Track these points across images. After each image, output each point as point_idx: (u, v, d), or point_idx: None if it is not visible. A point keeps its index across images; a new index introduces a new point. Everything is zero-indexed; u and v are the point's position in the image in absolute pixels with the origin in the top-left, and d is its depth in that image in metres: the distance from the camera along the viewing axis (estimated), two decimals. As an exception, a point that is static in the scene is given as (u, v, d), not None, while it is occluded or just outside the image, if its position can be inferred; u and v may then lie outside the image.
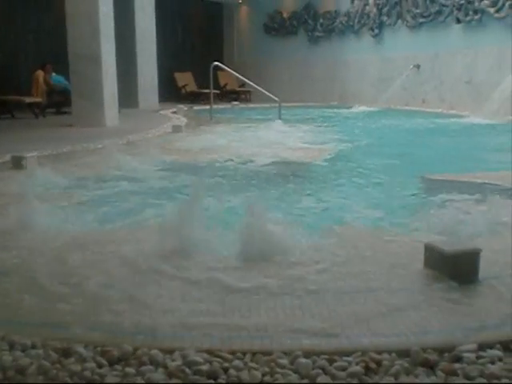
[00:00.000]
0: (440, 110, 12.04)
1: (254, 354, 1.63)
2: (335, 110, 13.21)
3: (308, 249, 2.47)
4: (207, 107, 11.05)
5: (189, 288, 2.08)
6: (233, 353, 1.63)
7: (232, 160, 5.19)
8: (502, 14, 10.13)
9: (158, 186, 4.08)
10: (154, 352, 1.63)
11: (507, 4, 9.96)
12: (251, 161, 5.14)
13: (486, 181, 4.19)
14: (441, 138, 7.62)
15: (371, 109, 13.03)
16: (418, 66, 12.96)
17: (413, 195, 3.81)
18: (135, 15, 13.05)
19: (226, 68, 10.84)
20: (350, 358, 1.59)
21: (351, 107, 13.48)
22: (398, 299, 1.97)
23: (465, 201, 3.50)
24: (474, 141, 7.31)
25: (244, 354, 1.63)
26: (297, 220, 2.90)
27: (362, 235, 2.76)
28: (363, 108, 13.18)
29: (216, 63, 10.02)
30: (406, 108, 13.05)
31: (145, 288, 2.08)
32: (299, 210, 3.28)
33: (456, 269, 2.13)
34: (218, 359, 1.60)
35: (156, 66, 13.80)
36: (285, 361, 1.58)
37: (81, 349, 1.65)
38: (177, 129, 7.85)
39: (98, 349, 1.65)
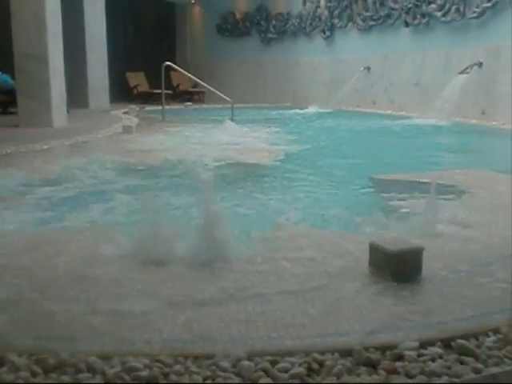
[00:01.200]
0: (390, 111, 12.28)
1: (195, 357, 1.60)
2: (288, 111, 13.28)
3: (253, 251, 2.44)
4: (160, 108, 10.93)
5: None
6: (174, 357, 1.59)
7: (181, 161, 5.12)
8: (448, 17, 10.39)
9: (101, 188, 3.99)
10: (92, 359, 1.58)
11: (453, 8, 10.22)
12: (198, 161, 5.08)
13: (431, 180, 4.27)
14: (389, 139, 7.76)
15: (323, 110, 13.17)
16: (368, 69, 13.17)
17: (360, 195, 3.85)
18: (84, 14, 12.76)
19: (178, 68, 10.75)
20: (293, 359, 1.58)
21: (304, 108, 13.59)
22: (342, 299, 1.97)
23: (410, 200, 3.57)
24: (420, 141, 7.47)
25: (186, 358, 1.60)
26: (242, 221, 2.87)
27: (308, 235, 2.76)
28: (315, 109, 13.30)
29: (168, 63, 9.91)
30: (357, 109, 13.25)
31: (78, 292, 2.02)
32: (245, 211, 3.25)
33: (399, 267, 2.16)
34: (159, 364, 1.56)
35: (107, 66, 13.53)
36: (227, 364, 1.56)
37: (14, 357, 1.58)
38: (127, 129, 7.72)
39: (34, 357, 1.59)
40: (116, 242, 2.48)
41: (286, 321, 1.79)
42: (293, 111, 13.22)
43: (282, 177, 4.55)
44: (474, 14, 9.71)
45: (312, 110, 13.31)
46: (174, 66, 10.42)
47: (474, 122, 9.58)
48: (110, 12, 13.69)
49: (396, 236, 2.48)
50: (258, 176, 4.62)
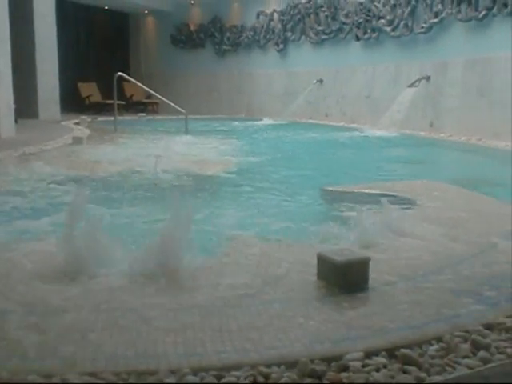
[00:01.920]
0: (342, 123, 12.48)
1: (139, 374, 1.56)
2: (242, 123, 13.32)
3: (201, 263, 2.42)
4: (112, 118, 10.77)
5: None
6: (117, 374, 1.55)
7: (131, 172, 5.05)
8: (397, 32, 10.69)
9: (44, 200, 3.88)
10: (32, 377, 1.52)
11: (402, 23, 10.52)
12: (150, 173, 5.02)
13: (380, 191, 4.35)
14: (341, 151, 7.88)
15: (277, 122, 13.28)
16: (320, 81, 13.37)
17: (311, 206, 3.88)
18: (34, 22, 12.47)
19: (131, 79, 10.66)
20: (238, 373, 1.57)
21: (258, 120, 13.67)
22: (290, 311, 1.97)
23: (359, 211, 3.61)
24: (371, 153, 7.63)
25: (129, 374, 1.56)
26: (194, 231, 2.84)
27: (257, 247, 2.76)
28: (269, 121, 13.41)
29: (120, 74, 9.79)
30: (311, 121, 13.41)
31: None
32: (194, 223, 3.22)
33: (346, 278, 2.18)
34: (101, 381, 1.52)
35: (58, 76, 13.25)
36: (172, 380, 1.53)
37: None
38: (78, 140, 7.57)
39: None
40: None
41: (232, 334, 1.78)
42: (247, 123, 13.28)
43: (233, 188, 4.56)
44: (422, 30, 10.01)
45: (266, 121, 13.41)
46: (126, 76, 10.31)
47: (422, 133, 9.85)
48: (61, 21, 13.45)
49: (343, 247, 2.50)
50: (209, 187, 4.60)
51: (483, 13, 8.47)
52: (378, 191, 4.37)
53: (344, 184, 4.73)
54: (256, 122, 13.32)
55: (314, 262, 2.30)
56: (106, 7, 16.81)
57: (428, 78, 9.97)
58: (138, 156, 5.76)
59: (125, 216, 3.37)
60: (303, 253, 2.63)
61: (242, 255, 2.62)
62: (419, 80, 10.08)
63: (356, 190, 4.42)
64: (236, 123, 13.24)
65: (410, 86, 10.21)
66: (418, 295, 2.14)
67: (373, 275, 2.25)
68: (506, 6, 7.97)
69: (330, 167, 6.10)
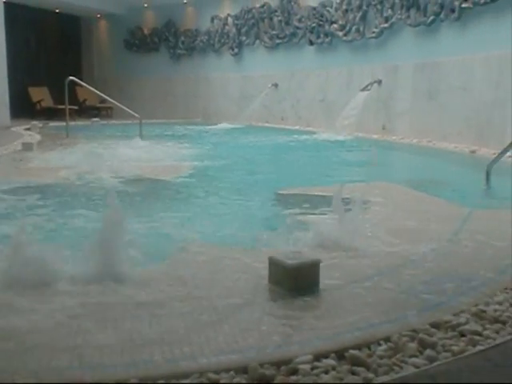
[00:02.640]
0: (297, 126, 12.58)
1: (85, 386, 1.52)
2: (198, 127, 13.27)
3: (148, 270, 2.39)
4: (65, 124, 10.53)
5: None
6: None
7: (81, 178, 4.94)
8: (350, 37, 10.86)
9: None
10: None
11: (354, 28, 10.69)
12: (101, 178, 4.93)
13: (332, 193, 4.39)
14: (296, 154, 7.93)
15: (233, 126, 13.28)
16: (276, 85, 13.45)
17: (264, 210, 3.88)
18: (-19, 25, 12.10)
19: (83, 83, 10.46)
20: (187, 381, 1.55)
21: (214, 124, 13.64)
22: (239, 315, 1.96)
23: (312, 214, 3.64)
24: (325, 156, 7.70)
25: (75, 387, 1.52)
26: (140, 240, 2.78)
27: (209, 251, 2.74)
28: (226, 125, 13.39)
29: (71, 78, 9.59)
30: (267, 125, 13.48)
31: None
32: (144, 229, 3.17)
33: (297, 281, 2.18)
34: None
35: (7, 80, 12.86)
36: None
37: None
38: (27, 146, 7.36)
39: None
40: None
41: (180, 341, 1.75)
42: (203, 127, 13.23)
43: (186, 192, 4.52)
44: (373, 34, 10.20)
45: (222, 125, 13.39)
46: (78, 81, 10.11)
47: (375, 136, 10.02)
48: (10, 24, 13.08)
49: (295, 250, 2.51)
50: (161, 192, 4.55)
51: (431, 18, 8.70)
52: (330, 193, 4.42)
53: (298, 187, 4.76)
54: (212, 126, 13.28)
55: (266, 265, 2.30)
56: (57, 10, 16.46)
57: (380, 82, 10.16)
58: (89, 162, 5.64)
59: (57, 223, 3.29)
60: (255, 256, 2.63)
61: (192, 259, 2.60)
62: (371, 84, 10.26)
63: (310, 193, 4.46)
64: (192, 127, 13.17)
65: (363, 89, 10.38)
66: (368, 297, 2.16)
67: (323, 278, 2.26)
68: (453, 11, 8.20)
69: (284, 171, 6.13)
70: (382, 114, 10.19)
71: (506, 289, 2.22)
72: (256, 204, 4.08)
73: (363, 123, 10.31)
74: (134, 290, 2.16)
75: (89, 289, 2.16)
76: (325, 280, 2.26)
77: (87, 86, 10.41)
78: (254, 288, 2.22)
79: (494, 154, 7.03)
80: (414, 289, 2.22)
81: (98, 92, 10.48)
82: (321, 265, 2.26)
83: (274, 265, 2.25)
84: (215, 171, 5.89)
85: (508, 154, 5.71)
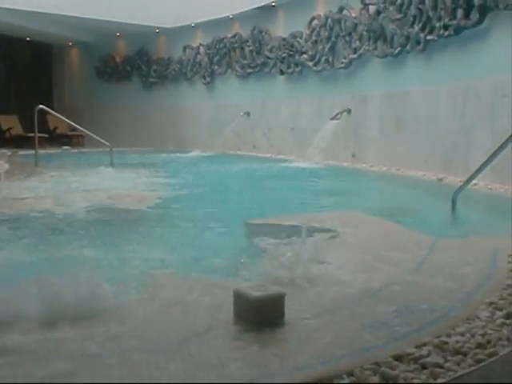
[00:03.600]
0: (269, 154, 12.67)
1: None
2: (170, 155, 13.26)
3: (111, 303, 2.35)
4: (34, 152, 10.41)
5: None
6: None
7: (48, 209, 4.85)
8: (319, 67, 11.05)
9: None
10: None
11: (323, 59, 10.89)
12: (68, 209, 4.84)
13: (302, 223, 4.41)
14: (267, 182, 7.97)
15: (206, 154, 13.32)
16: (248, 114, 13.56)
17: (232, 241, 3.87)
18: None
19: (52, 112, 10.41)
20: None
21: (186, 152, 13.65)
22: (201, 350, 1.94)
23: (281, 244, 3.64)
24: (296, 184, 7.74)
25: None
26: (103, 272, 2.74)
27: (173, 284, 2.71)
28: (198, 153, 13.42)
29: (41, 107, 9.53)
30: (239, 153, 13.53)
31: None
32: (107, 260, 3.13)
33: (261, 314, 2.18)
34: None
35: (-25, 108, 12.77)
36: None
37: None
38: (-6, 176, 7.26)
39: None
40: None
41: (137, 374, 1.72)
42: (175, 155, 13.23)
43: (153, 223, 4.48)
44: (342, 65, 10.40)
45: (194, 153, 13.42)
46: (47, 109, 10.05)
47: (345, 164, 10.15)
48: (-22, 52, 13.04)
49: (261, 282, 2.50)
50: (128, 223, 4.51)
51: (398, 49, 8.92)
52: (299, 223, 4.44)
53: (268, 217, 4.76)
54: (184, 155, 13.29)
55: (231, 298, 2.29)
56: (28, 38, 16.42)
57: (349, 111, 10.33)
58: (57, 192, 5.57)
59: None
60: (221, 288, 2.61)
61: (155, 293, 2.57)
62: (341, 113, 10.42)
63: (278, 223, 4.47)
64: (163, 155, 13.16)
65: (333, 118, 10.53)
66: (332, 330, 2.16)
67: (288, 310, 2.26)
68: (418, 43, 8.43)
69: (255, 200, 6.13)
70: (352, 142, 10.34)
71: (467, 319, 2.24)
72: (225, 234, 4.07)
73: (333, 151, 10.45)
74: (106, 322, 2.12)
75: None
76: (290, 312, 2.26)
77: (57, 114, 10.34)
78: (218, 321, 2.21)
79: (461, 181, 7.20)
80: (377, 321, 2.23)
81: (68, 120, 10.42)
82: (286, 296, 2.26)
83: (239, 297, 2.24)
84: (184, 200, 5.87)
85: (473, 181, 5.84)
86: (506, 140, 5.09)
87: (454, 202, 5.23)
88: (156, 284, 2.71)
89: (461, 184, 5.59)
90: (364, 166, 9.77)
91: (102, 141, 9.72)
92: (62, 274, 2.40)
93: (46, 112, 15.09)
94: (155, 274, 2.87)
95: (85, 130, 10.32)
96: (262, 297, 2.19)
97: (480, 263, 3.09)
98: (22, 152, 12.70)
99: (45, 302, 2.17)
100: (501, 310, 2.37)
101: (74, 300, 2.20)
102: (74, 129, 15.02)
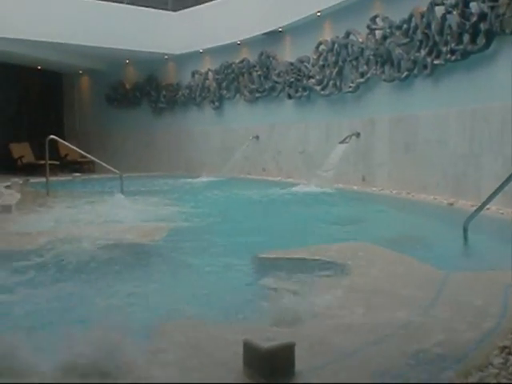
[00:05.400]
0: (279, 178, 12.68)
1: None
2: (180, 181, 13.33)
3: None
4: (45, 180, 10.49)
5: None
6: None
7: (59, 245, 4.85)
8: (327, 91, 11.10)
9: None
10: None
11: (331, 83, 10.95)
12: (79, 245, 4.84)
13: (314, 256, 4.40)
14: (278, 209, 7.97)
15: (216, 179, 13.36)
16: (257, 137, 13.62)
17: (242, 278, 3.85)
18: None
19: (62, 141, 10.49)
20: None
21: (197, 177, 13.70)
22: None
23: (293, 282, 3.60)
24: (307, 211, 7.75)
25: None
26: (113, 314, 2.72)
27: (184, 330, 2.69)
28: (208, 178, 13.47)
29: (52, 137, 9.63)
30: (249, 176, 13.57)
31: None
32: (119, 302, 3.13)
33: (271, 365, 2.16)
34: None
35: (-12, 137, 12.95)
36: None
37: None
38: (6, 209, 7.30)
39: None
40: None
41: None
42: (185, 181, 13.29)
43: (162, 259, 4.47)
44: (350, 89, 10.44)
45: (204, 178, 13.47)
46: (58, 139, 10.16)
47: (355, 188, 10.12)
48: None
49: (269, 332, 2.46)
50: (137, 259, 4.49)
51: (405, 74, 8.94)
52: (311, 256, 4.42)
53: (279, 250, 4.71)
54: (194, 180, 13.34)
55: (241, 343, 2.27)
56: (39, 67, 16.67)
57: (358, 135, 10.34)
58: (68, 226, 5.60)
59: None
60: (231, 333, 2.60)
61: (163, 339, 2.55)
62: (350, 136, 10.43)
63: (291, 256, 4.45)
64: (174, 181, 13.21)
65: (342, 142, 10.54)
66: (343, 378, 2.14)
67: (299, 358, 2.23)
68: (425, 67, 8.44)
69: (266, 230, 6.10)
70: (362, 166, 10.32)
71: (480, 367, 2.21)
72: (236, 270, 4.05)
73: (343, 175, 10.44)
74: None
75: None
76: (301, 360, 2.23)
77: (67, 143, 10.45)
78: (228, 372, 2.19)
79: (472, 205, 7.16)
80: (388, 370, 2.20)
81: (77, 149, 10.53)
82: (297, 340, 2.23)
83: (249, 348, 2.23)
84: (195, 233, 5.85)
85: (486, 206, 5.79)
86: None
87: (465, 231, 5.19)
88: (162, 332, 2.68)
89: (472, 210, 5.55)
90: (374, 189, 9.73)
91: (112, 169, 9.78)
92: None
93: (57, 140, 15.29)
94: (159, 321, 2.84)
95: (94, 158, 10.41)
96: (272, 348, 2.17)
97: (492, 302, 3.05)
98: (33, 180, 12.82)
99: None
100: (514, 355, 2.33)
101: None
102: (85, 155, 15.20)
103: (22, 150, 15.33)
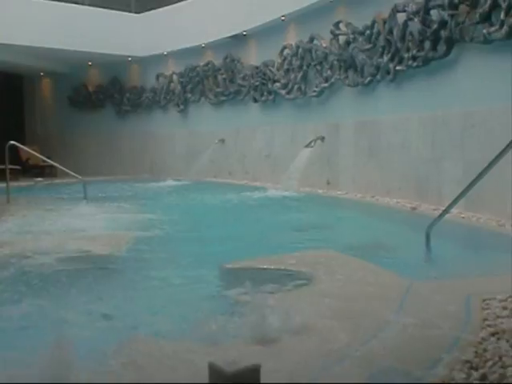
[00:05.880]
0: (245, 181, 12.69)
1: None
2: (145, 185, 13.20)
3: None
4: (5, 185, 10.19)
5: None
6: None
7: (18, 258, 4.68)
8: (292, 95, 11.15)
9: None
10: None
11: (295, 87, 11.00)
12: (37, 257, 4.65)
13: (279, 266, 4.39)
14: (243, 214, 7.95)
15: (181, 182, 13.28)
16: (222, 141, 13.59)
17: (207, 290, 3.80)
18: None
19: (23, 147, 10.26)
20: None
21: (161, 181, 13.59)
22: None
23: (258, 292, 3.58)
24: (272, 217, 7.74)
25: None
26: (70, 331, 2.66)
27: (145, 349, 2.64)
28: (173, 182, 13.38)
29: (12, 143, 9.40)
30: (215, 180, 13.54)
31: None
32: (74, 320, 3.05)
33: (237, 389, 2.13)
34: None
35: None
36: None
37: None
38: (-37, 218, 7.09)
39: None
40: None
41: None
42: (150, 184, 13.16)
43: (123, 272, 4.39)
44: (314, 93, 10.50)
45: (169, 182, 13.37)
46: (18, 144, 9.92)
47: (320, 191, 10.20)
48: None
49: (234, 355, 2.44)
50: (98, 272, 4.38)
51: (368, 79, 9.05)
52: (277, 266, 4.41)
53: (245, 257, 4.68)
54: (159, 184, 13.22)
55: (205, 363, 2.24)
56: (-1, 69, 16.25)
57: (323, 139, 10.41)
58: (28, 237, 5.45)
59: None
60: (194, 352, 2.56)
61: (121, 358, 2.50)
62: (315, 140, 10.50)
63: (256, 266, 4.43)
64: (139, 185, 13.07)
65: (307, 146, 10.60)
66: (309, 401, 2.13)
67: (264, 378, 2.22)
68: (388, 73, 8.55)
69: (230, 238, 6.06)
70: (327, 170, 10.40)
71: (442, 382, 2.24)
72: (200, 283, 4.01)
73: (308, 178, 10.50)
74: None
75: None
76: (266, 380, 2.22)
77: (27, 149, 10.22)
78: (193, 397, 2.16)
79: (434, 209, 7.31)
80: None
81: (38, 154, 10.31)
82: (262, 361, 2.22)
83: (214, 371, 2.20)
84: (159, 242, 5.74)
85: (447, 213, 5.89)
86: (479, 174, 5.13)
87: (427, 237, 5.26)
88: (120, 352, 2.62)
89: (434, 214, 5.66)
90: (339, 193, 9.82)
91: (75, 175, 9.60)
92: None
93: (19, 143, 14.90)
94: (117, 339, 2.78)
95: (55, 164, 10.20)
96: (237, 372, 2.14)
97: (453, 313, 3.09)
98: (-7, 185, 12.48)
99: None
100: (476, 369, 2.37)
101: None
102: (48, 158, 14.88)
103: (-20, 155, 14.89)
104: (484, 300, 3.29)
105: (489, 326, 2.89)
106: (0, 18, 12.78)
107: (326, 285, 3.83)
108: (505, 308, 3.16)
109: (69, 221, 6.92)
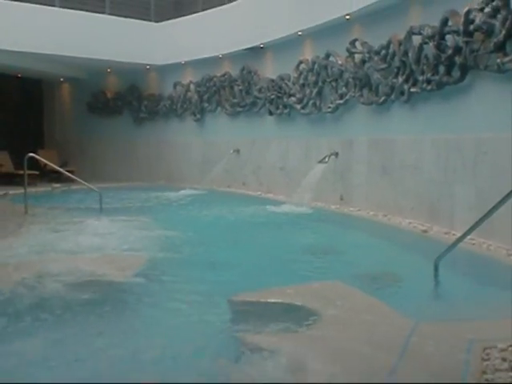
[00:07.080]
0: (259, 192, 12.77)
1: None
2: (161, 193, 13.34)
3: None
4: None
5: None
6: None
7: (27, 282, 4.74)
8: (307, 110, 11.20)
9: None
10: None
11: (310, 102, 11.05)
12: (47, 280, 4.74)
13: (286, 300, 4.45)
14: (257, 234, 8.01)
15: (196, 191, 13.41)
16: (237, 151, 13.69)
17: (213, 327, 3.83)
18: None
19: (42, 159, 10.47)
20: None
21: (177, 190, 13.74)
22: None
23: (265, 331, 3.64)
24: (285, 237, 7.77)
25: None
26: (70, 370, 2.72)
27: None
28: (189, 191, 13.52)
29: (31, 155, 9.61)
30: (229, 190, 13.64)
31: None
32: (77, 356, 3.13)
33: None
34: None
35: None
36: None
37: None
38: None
39: None
40: None
41: None
42: (166, 194, 13.29)
43: (132, 303, 4.43)
44: (329, 109, 10.54)
45: (185, 191, 13.51)
46: (37, 157, 10.13)
47: (333, 207, 10.24)
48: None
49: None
50: (105, 302, 4.42)
51: (383, 98, 9.07)
52: (283, 300, 4.47)
53: (253, 291, 4.68)
54: (175, 193, 13.34)
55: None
56: (19, 75, 16.53)
57: (337, 154, 10.45)
58: (41, 257, 5.55)
59: None
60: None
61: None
62: (328, 156, 10.54)
63: (264, 300, 4.49)
64: (156, 195, 13.18)
65: (321, 161, 10.65)
66: None
67: None
68: (402, 94, 8.57)
69: (244, 262, 6.09)
70: (340, 186, 10.44)
71: None
72: (207, 316, 4.06)
73: (322, 194, 10.54)
74: None
75: None
76: None
77: (46, 161, 10.43)
78: None
79: (445, 233, 7.33)
80: None
81: (55, 166, 10.52)
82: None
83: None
84: (171, 266, 5.80)
85: (457, 233, 5.87)
86: (494, 206, 5.07)
87: (436, 268, 5.30)
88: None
89: (445, 238, 5.68)
90: (352, 209, 9.86)
91: (91, 186, 9.77)
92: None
93: (38, 148, 15.22)
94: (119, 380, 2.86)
95: (75, 177, 10.43)
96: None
97: (453, 364, 3.14)
98: (12, 191, 12.70)
99: None
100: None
101: None
102: (65, 163, 15.13)
103: (0, 159, 15.18)
104: (485, 349, 3.33)
105: (487, 380, 2.95)
106: (22, 26, 13.01)
107: (326, 327, 3.84)
108: (504, 360, 3.20)
109: (84, 239, 7.03)
